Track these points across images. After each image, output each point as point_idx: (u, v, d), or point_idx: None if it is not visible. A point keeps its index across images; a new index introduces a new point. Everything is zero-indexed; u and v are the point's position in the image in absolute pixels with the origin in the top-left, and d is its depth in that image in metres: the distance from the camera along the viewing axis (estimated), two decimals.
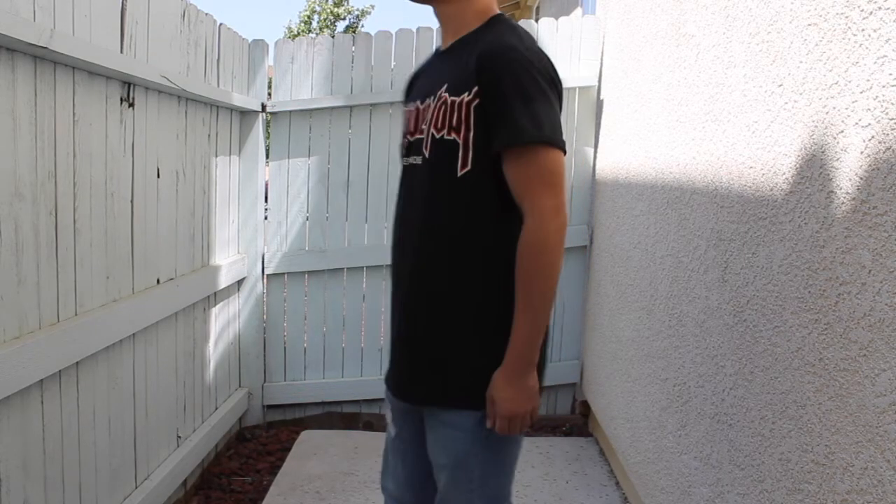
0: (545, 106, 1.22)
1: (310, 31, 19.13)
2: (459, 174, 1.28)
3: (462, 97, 1.27)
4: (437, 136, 1.31)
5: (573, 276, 3.32)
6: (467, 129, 1.27)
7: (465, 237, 1.31)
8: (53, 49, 1.50)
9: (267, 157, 3.23)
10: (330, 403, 3.31)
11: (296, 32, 18.88)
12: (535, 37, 1.35)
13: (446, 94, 1.30)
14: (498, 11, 1.37)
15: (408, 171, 1.42)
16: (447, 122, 1.29)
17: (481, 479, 1.36)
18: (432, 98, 1.34)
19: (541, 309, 1.25)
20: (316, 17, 19.57)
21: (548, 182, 1.22)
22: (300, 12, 19.78)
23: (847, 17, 1.18)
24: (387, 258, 3.22)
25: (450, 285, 1.33)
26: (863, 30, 1.13)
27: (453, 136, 1.29)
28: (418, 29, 3.15)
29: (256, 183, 3.07)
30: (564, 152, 1.25)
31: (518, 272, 1.24)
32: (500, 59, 1.24)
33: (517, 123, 1.21)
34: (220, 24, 2.66)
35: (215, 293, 2.74)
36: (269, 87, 3.14)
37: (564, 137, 1.30)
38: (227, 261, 2.83)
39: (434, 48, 3.17)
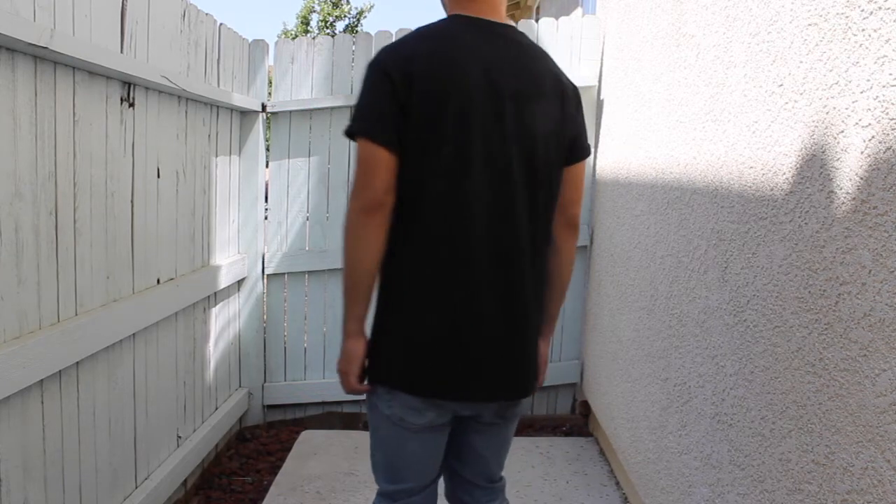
0: (363, 99, 1.32)
1: (307, 31, 19.08)
2: None
3: None
4: None
5: (573, 276, 3.31)
6: None
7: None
8: (54, 49, 1.50)
9: (267, 157, 3.24)
10: (330, 403, 3.31)
11: (294, 34, 18.83)
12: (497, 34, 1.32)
13: None
14: (454, 13, 1.39)
15: None
16: None
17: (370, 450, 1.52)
18: None
19: (344, 280, 1.36)
20: (315, 16, 19.52)
21: (357, 168, 1.32)
22: (297, 13, 19.71)
23: (847, 17, 1.18)
24: None
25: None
26: (863, 30, 1.13)
27: None
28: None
29: (256, 183, 3.07)
30: (374, 140, 1.29)
31: None
32: None
33: None
34: (221, 24, 2.66)
35: (215, 293, 2.74)
36: (270, 86, 3.14)
37: None
38: (228, 261, 2.83)
39: None
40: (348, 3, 19.78)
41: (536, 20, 3.35)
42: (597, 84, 3.21)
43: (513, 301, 1.37)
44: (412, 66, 1.29)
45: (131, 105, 1.99)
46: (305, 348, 3.27)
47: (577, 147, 1.45)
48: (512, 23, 1.57)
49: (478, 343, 1.35)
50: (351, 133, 1.32)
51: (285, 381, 3.27)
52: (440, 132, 1.30)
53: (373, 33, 3.14)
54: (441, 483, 1.59)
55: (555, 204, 1.45)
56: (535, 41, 3.18)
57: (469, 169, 1.32)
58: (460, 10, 1.38)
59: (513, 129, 1.33)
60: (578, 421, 3.33)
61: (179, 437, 2.45)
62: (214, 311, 2.76)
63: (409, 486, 1.47)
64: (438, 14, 1.47)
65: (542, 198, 1.39)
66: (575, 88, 1.45)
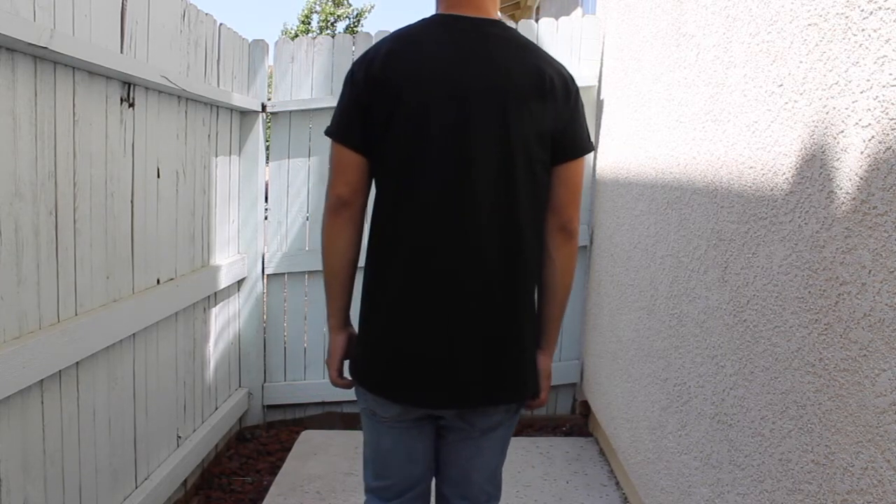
0: (339, 102, 1.37)
1: (308, 31, 19.10)
2: None
3: None
4: None
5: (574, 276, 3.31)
6: None
7: None
8: (53, 49, 1.50)
9: (267, 156, 3.24)
10: (330, 403, 3.31)
11: (294, 34, 18.85)
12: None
13: None
14: (435, 13, 1.39)
15: None
16: None
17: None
18: None
19: (323, 277, 1.44)
20: (315, 16, 19.54)
21: (329, 169, 1.38)
22: (299, 14, 19.79)
23: (847, 17, 1.18)
24: None
25: None
26: (863, 30, 1.13)
27: None
28: None
29: (256, 183, 3.07)
30: (340, 141, 1.34)
31: None
32: None
33: None
34: (221, 24, 2.66)
35: (215, 293, 2.74)
36: (270, 86, 3.14)
37: None
38: (227, 261, 2.83)
39: None
40: (349, 3, 19.81)
41: (536, 20, 3.35)
42: (597, 84, 3.21)
43: (467, 305, 1.31)
44: (372, 67, 1.31)
45: (131, 105, 1.99)
46: (305, 348, 3.27)
47: (566, 145, 1.35)
48: (510, 20, 1.57)
49: (415, 346, 1.32)
50: (326, 134, 1.38)
51: (285, 381, 3.27)
52: (394, 131, 1.29)
53: (372, 33, 3.14)
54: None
55: (539, 205, 1.36)
56: (535, 41, 3.19)
57: (421, 169, 1.29)
58: (441, 9, 1.37)
59: (478, 128, 1.28)
60: (578, 421, 3.33)
61: (179, 437, 2.45)
62: (214, 311, 2.76)
63: (390, 482, 1.48)
64: None
65: (519, 199, 1.32)
66: (568, 84, 1.36)
